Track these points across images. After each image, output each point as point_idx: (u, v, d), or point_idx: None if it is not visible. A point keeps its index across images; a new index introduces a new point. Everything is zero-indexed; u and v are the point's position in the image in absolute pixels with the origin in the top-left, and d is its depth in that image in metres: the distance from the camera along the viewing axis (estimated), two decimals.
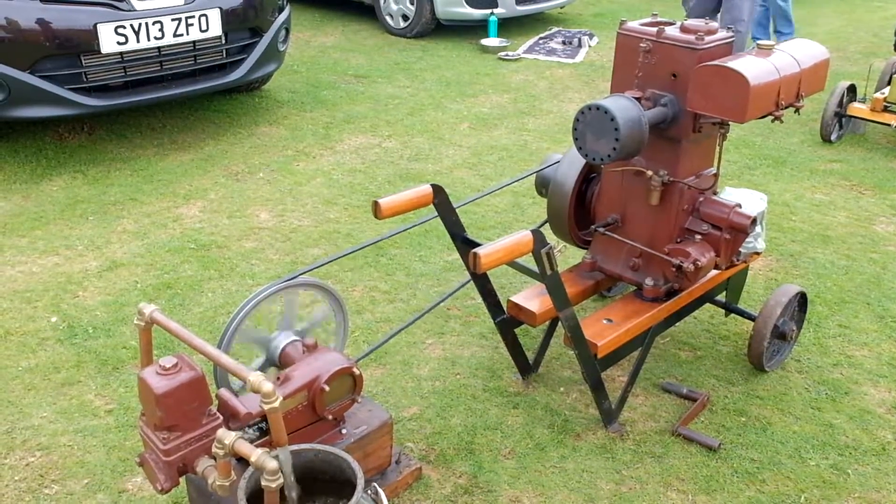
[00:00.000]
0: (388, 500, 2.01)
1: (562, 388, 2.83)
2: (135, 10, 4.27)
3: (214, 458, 1.77)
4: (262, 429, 2.03)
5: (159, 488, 1.85)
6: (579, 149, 2.33)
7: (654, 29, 2.44)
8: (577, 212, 2.82)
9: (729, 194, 2.73)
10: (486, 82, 6.31)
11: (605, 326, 2.52)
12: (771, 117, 2.42)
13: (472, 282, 2.69)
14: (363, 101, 5.76)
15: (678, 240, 2.59)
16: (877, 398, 2.83)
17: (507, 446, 2.56)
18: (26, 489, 2.35)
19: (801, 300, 3.00)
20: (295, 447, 1.85)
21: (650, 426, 2.67)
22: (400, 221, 3.58)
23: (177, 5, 4.41)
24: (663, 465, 2.50)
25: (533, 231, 2.13)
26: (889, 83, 5.22)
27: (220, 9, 4.58)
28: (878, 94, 4.97)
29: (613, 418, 2.64)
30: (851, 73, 6.43)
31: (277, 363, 2.27)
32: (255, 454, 1.68)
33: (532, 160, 4.77)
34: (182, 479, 1.93)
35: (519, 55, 7.05)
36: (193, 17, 4.47)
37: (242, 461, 1.77)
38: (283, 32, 5.18)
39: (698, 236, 2.58)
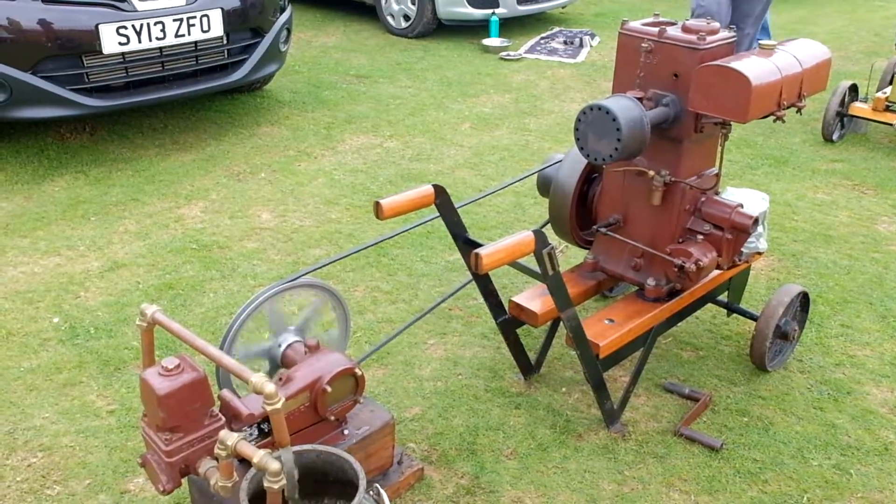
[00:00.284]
0: (390, 501, 2.01)
1: (564, 389, 2.83)
2: (136, 11, 4.27)
3: (217, 460, 1.77)
4: (264, 430, 2.03)
5: (161, 489, 1.85)
6: (581, 149, 2.33)
7: (656, 29, 2.44)
8: (579, 212, 2.82)
9: (731, 194, 2.73)
10: (488, 82, 6.31)
11: (606, 327, 2.52)
12: (773, 117, 2.42)
13: (473, 282, 2.69)
14: (365, 101, 5.76)
15: (680, 240, 2.59)
16: (879, 398, 2.83)
17: (509, 447, 2.56)
18: (28, 490, 2.35)
19: (804, 300, 2.99)
20: (297, 448, 1.85)
21: (652, 426, 2.66)
22: (402, 222, 3.58)
23: (178, 6, 4.42)
24: (665, 466, 2.50)
25: (535, 231, 2.13)
26: (891, 83, 5.22)
27: (222, 9, 4.58)
28: (879, 94, 4.97)
29: (615, 418, 2.64)
30: (853, 73, 6.43)
31: (278, 362, 2.27)
32: (258, 455, 1.67)
33: (533, 160, 4.77)
34: (184, 481, 1.93)
35: (520, 55, 7.05)
36: (195, 17, 4.47)
37: (244, 462, 1.77)
38: (284, 33, 5.18)
39: (700, 236, 2.58)
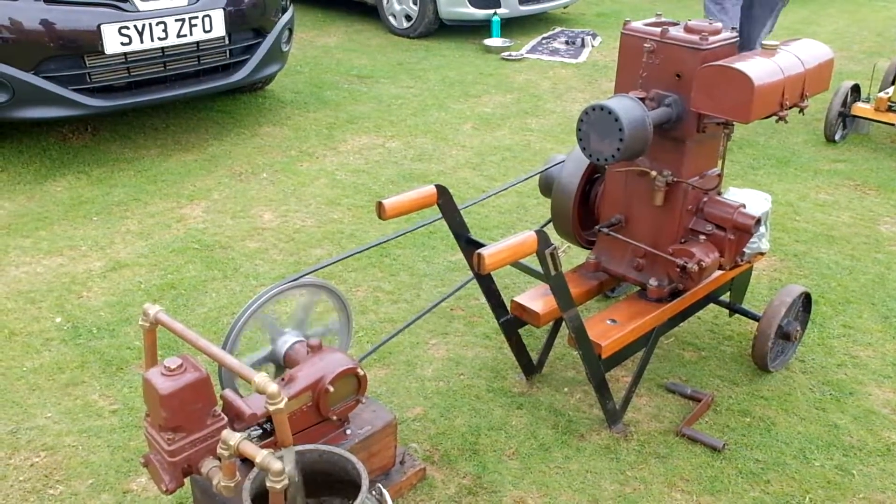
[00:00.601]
0: (393, 501, 2.01)
1: (566, 389, 2.83)
2: (138, 11, 4.27)
3: (219, 459, 1.78)
4: (266, 430, 2.03)
5: (164, 489, 1.85)
6: (583, 149, 2.33)
7: (658, 29, 2.44)
8: (581, 212, 2.82)
9: (733, 194, 2.73)
10: (490, 82, 6.31)
11: (609, 327, 2.52)
12: (775, 117, 2.42)
13: (475, 282, 2.69)
14: (366, 101, 5.76)
15: (682, 240, 2.59)
16: (881, 398, 2.82)
17: (510, 447, 2.56)
18: (31, 489, 2.35)
19: (806, 300, 2.99)
20: (300, 448, 1.85)
21: (654, 427, 2.66)
22: (404, 222, 3.58)
23: (180, 6, 4.42)
24: (667, 466, 2.50)
25: (537, 231, 2.13)
26: (893, 83, 5.22)
27: (224, 9, 4.59)
28: (882, 94, 4.96)
29: (617, 419, 2.64)
30: (855, 73, 6.42)
31: (281, 362, 2.27)
32: (260, 455, 1.68)
33: (535, 160, 4.77)
34: (187, 480, 1.93)
35: (522, 55, 7.05)
36: (197, 17, 4.47)
37: (247, 462, 1.77)
38: (286, 33, 5.19)
39: (702, 237, 2.58)
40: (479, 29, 7.60)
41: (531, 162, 4.76)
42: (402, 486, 2.33)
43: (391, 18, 7.64)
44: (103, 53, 4.22)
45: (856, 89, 5.16)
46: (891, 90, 4.94)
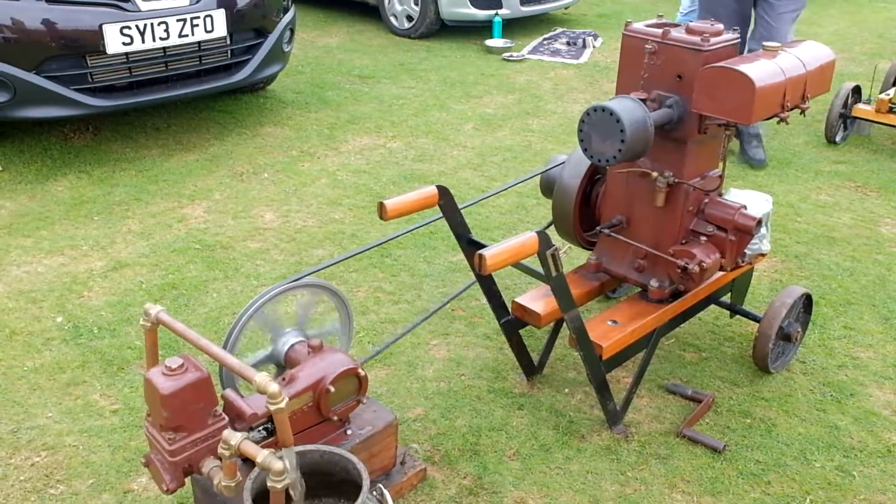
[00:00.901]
0: (393, 501, 2.01)
1: (566, 390, 2.83)
2: (140, 11, 4.27)
3: (220, 459, 1.78)
4: (267, 429, 2.03)
5: (165, 489, 1.85)
6: (585, 150, 2.33)
7: (660, 30, 2.44)
8: (582, 213, 2.82)
9: (734, 195, 2.73)
10: (491, 83, 6.31)
11: (610, 328, 2.52)
12: (776, 119, 2.42)
13: (476, 283, 2.70)
14: (368, 101, 5.76)
15: (683, 241, 2.59)
16: (882, 400, 2.82)
17: (511, 447, 2.56)
18: (31, 489, 2.35)
19: (806, 301, 2.99)
20: (300, 448, 1.85)
21: (655, 427, 2.66)
22: (405, 222, 3.58)
23: (182, 6, 4.42)
24: (668, 467, 2.50)
25: (538, 232, 2.13)
26: (894, 84, 5.22)
27: (226, 9, 4.59)
28: (883, 96, 4.96)
29: (618, 420, 2.64)
30: (856, 74, 6.42)
31: (282, 362, 2.27)
32: (261, 455, 1.68)
33: (536, 161, 4.77)
34: (187, 480, 1.93)
35: (523, 56, 7.05)
36: (199, 17, 4.47)
37: (248, 462, 1.77)
38: (287, 33, 5.19)
39: (703, 238, 2.58)
40: (480, 29, 7.61)
41: (532, 162, 4.76)
42: (402, 487, 2.33)
43: (392, 19, 7.64)
44: (105, 53, 4.22)
45: (857, 91, 5.16)
46: (892, 92, 4.94)
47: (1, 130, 4.75)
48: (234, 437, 1.72)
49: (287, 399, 1.73)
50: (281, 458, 1.70)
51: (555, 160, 2.94)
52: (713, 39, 2.37)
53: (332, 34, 7.62)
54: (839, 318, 3.28)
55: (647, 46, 2.43)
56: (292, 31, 5.32)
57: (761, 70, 2.29)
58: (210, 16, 4.52)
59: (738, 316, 3.12)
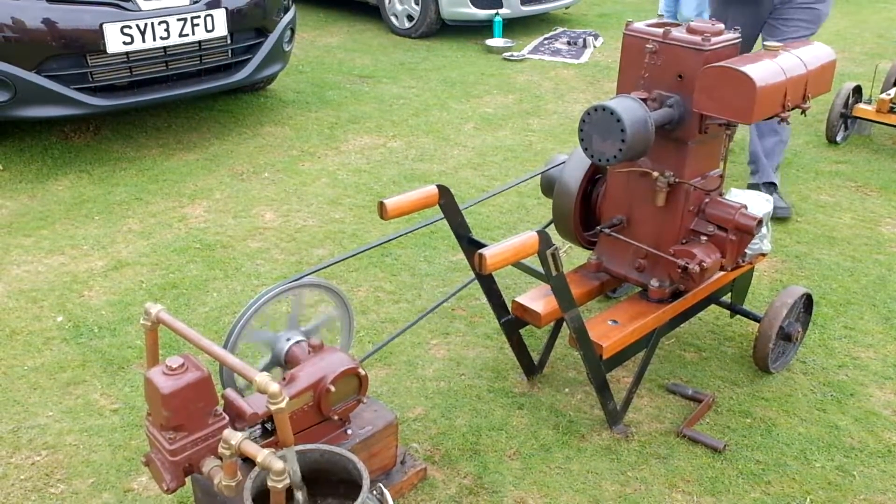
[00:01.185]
0: (394, 501, 2.01)
1: (567, 389, 2.83)
2: (141, 10, 4.28)
3: (220, 459, 1.78)
4: (267, 429, 2.03)
5: (165, 488, 1.85)
6: (585, 150, 2.33)
7: (660, 30, 2.44)
8: (583, 213, 2.82)
9: (735, 195, 2.73)
10: (491, 83, 6.31)
11: (610, 327, 2.52)
12: (777, 118, 2.42)
13: (477, 282, 2.69)
14: (368, 101, 5.76)
15: (684, 241, 2.59)
16: (882, 400, 2.82)
17: (511, 447, 2.56)
18: (32, 488, 2.35)
19: (807, 301, 2.99)
20: (301, 447, 1.85)
21: (655, 427, 2.66)
22: (405, 222, 3.58)
23: (182, 5, 4.42)
24: (668, 467, 2.50)
25: (538, 232, 2.13)
26: (895, 84, 5.21)
27: (226, 9, 4.59)
28: (883, 96, 4.96)
29: (618, 419, 2.64)
30: (857, 74, 6.42)
31: (283, 363, 2.27)
32: (262, 454, 1.68)
33: (537, 160, 4.77)
34: (188, 480, 1.93)
35: (524, 55, 7.05)
36: (199, 17, 4.48)
37: (248, 461, 1.77)
38: (288, 33, 5.19)
39: (704, 237, 2.58)
40: (480, 29, 7.61)
41: (533, 162, 4.76)
42: (402, 486, 2.34)
43: (393, 18, 7.64)
44: (105, 53, 4.22)
45: (857, 91, 5.15)
46: (892, 91, 4.94)
47: (1, 130, 4.76)
48: (234, 437, 1.72)
49: (287, 398, 1.73)
50: (281, 457, 1.70)
51: (555, 160, 2.94)
52: (714, 39, 2.37)
53: (332, 34, 7.62)
54: (839, 318, 3.27)
55: (647, 46, 2.43)
56: (293, 30, 5.32)
57: (762, 70, 2.29)
58: (210, 15, 4.52)
59: (738, 316, 3.12)
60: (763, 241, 2.77)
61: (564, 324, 2.56)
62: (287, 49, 5.28)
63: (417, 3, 7.35)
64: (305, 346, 2.23)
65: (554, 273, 2.21)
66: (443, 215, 2.52)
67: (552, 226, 2.89)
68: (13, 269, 3.47)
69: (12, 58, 4.06)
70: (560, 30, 7.98)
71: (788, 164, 4.81)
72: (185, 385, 1.79)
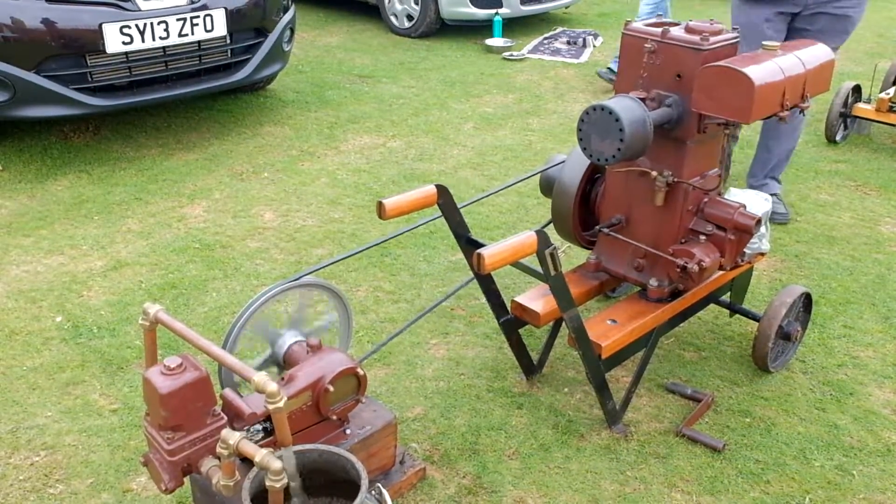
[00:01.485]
0: (392, 501, 2.01)
1: (566, 389, 2.83)
2: (140, 10, 4.27)
3: (219, 459, 1.78)
4: (266, 429, 2.03)
5: (163, 488, 1.85)
6: (584, 149, 2.33)
7: (659, 29, 2.44)
8: (582, 212, 2.82)
9: (734, 195, 2.73)
10: (491, 82, 6.31)
11: (609, 327, 2.52)
12: (776, 118, 2.42)
13: (476, 282, 2.69)
14: (368, 101, 5.76)
15: (683, 240, 2.59)
16: (882, 399, 2.82)
17: (511, 447, 2.56)
18: (31, 489, 2.35)
19: (806, 301, 2.99)
20: (299, 447, 1.85)
21: (654, 427, 2.66)
22: (404, 222, 3.58)
23: (182, 5, 4.42)
24: (667, 466, 2.50)
25: (537, 231, 2.13)
26: (894, 83, 5.22)
27: (226, 9, 4.59)
28: (883, 95, 4.96)
29: (617, 419, 2.64)
30: (856, 74, 6.42)
31: (281, 362, 2.27)
32: (260, 454, 1.68)
33: (536, 160, 4.77)
34: (186, 480, 1.93)
35: (523, 55, 7.05)
36: (198, 17, 4.47)
37: (247, 461, 1.77)
38: (287, 32, 5.19)
39: (703, 237, 2.58)
40: (480, 29, 7.60)
41: (532, 162, 4.76)
42: (401, 486, 2.33)
43: (393, 18, 7.64)
44: (105, 53, 4.22)
45: (857, 90, 5.15)
46: (892, 91, 4.94)
47: (1, 130, 4.76)
48: (232, 437, 1.72)
49: (285, 398, 1.73)
50: (279, 457, 1.70)
51: (554, 159, 2.93)
52: (712, 38, 2.37)
53: (332, 33, 7.62)
54: (839, 318, 3.27)
55: (646, 45, 2.43)
56: (292, 30, 5.32)
57: (760, 69, 2.29)
58: (210, 15, 4.52)
59: (737, 315, 3.12)
60: (762, 241, 2.77)
61: (563, 323, 2.56)
62: (287, 49, 5.28)
63: (417, 3, 7.35)
64: (304, 345, 2.23)
65: (553, 273, 2.21)
66: (441, 215, 2.52)
67: (551, 225, 2.89)
68: (12, 270, 3.47)
69: (12, 58, 4.06)
70: (560, 29, 7.98)
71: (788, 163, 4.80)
72: (183, 385, 1.79)
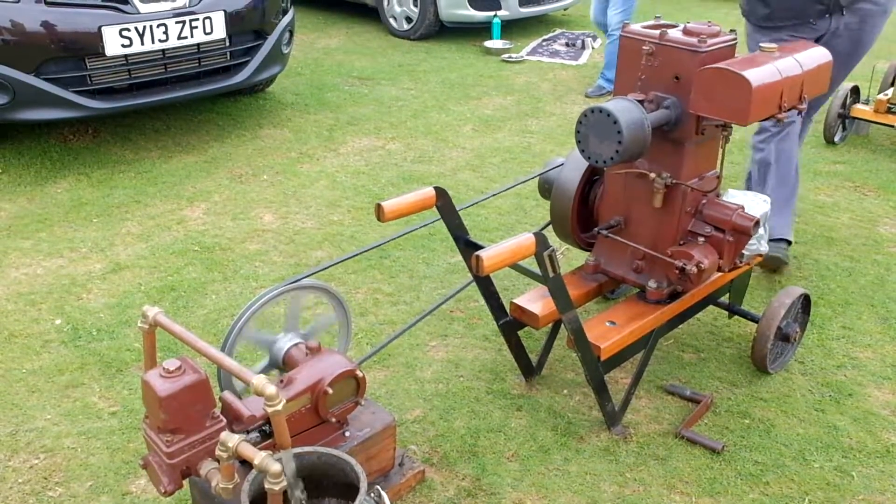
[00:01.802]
0: (391, 503, 2.01)
1: (565, 391, 2.83)
2: (139, 13, 4.28)
3: (218, 461, 1.78)
4: (265, 431, 2.03)
5: (163, 491, 1.85)
6: (582, 151, 2.34)
7: (657, 32, 2.44)
8: (580, 214, 2.82)
9: (732, 196, 2.73)
10: (490, 84, 6.31)
11: (608, 329, 2.52)
12: (773, 119, 2.42)
13: (474, 284, 2.70)
14: (367, 103, 5.76)
15: (681, 242, 2.59)
16: (881, 400, 2.82)
17: (510, 449, 2.56)
18: (30, 492, 2.35)
19: (805, 302, 2.99)
20: (298, 450, 1.85)
21: (653, 428, 2.66)
22: (403, 224, 3.58)
23: (181, 8, 4.43)
24: (667, 468, 2.50)
25: (535, 233, 2.13)
26: (892, 84, 5.22)
27: (225, 11, 4.60)
28: (881, 96, 4.97)
29: (617, 420, 2.64)
30: (855, 75, 6.39)
31: (281, 365, 2.27)
32: (259, 457, 1.68)
33: (535, 162, 4.77)
34: (185, 482, 1.93)
35: (522, 57, 7.05)
36: (198, 19, 4.48)
37: (246, 464, 1.77)
38: (286, 35, 5.19)
39: (701, 238, 2.58)
40: (479, 31, 7.61)
41: (531, 164, 4.76)
42: (401, 488, 2.34)
43: (392, 20, 7.65)
44: (104, 55, 4.22)
45: (855, 91, 5.16)
46: (890, 92, 4.95)
47: (0, 132, 4.76)
48: (231, 439, 1.72)
49: (284, 401, 1.73)
50: (278, 460, 1.70)
51: (553, 162, 2.94)
52: (710, 41, 2.37)
53: (331, 36, 7.62)
54: (838, 319, 3.28)
55: (644, 48, 2.43)
56: (291, 32, 5.32)
57: (758, 71, 2.29)
58: (209, 17, 4.52)
59: (736, 316, 3.12)
60: (761, 242, 2.77)
61: (562, 325, 2.56)
62: (286, 51, 5.28)
63: (416, 5, 7.36)
64: (303, 348, 2.24)
65: (551, 274, 2.21)
66: (440, 217, 2.53)
67: (550, 227, 2.89)
68: (11, 272, 3.47)
69: (11, 60, 4.06)
70: (558, 31, 7.99)
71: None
72: (182, 388, 1.79)
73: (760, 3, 3.35)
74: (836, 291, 3.47)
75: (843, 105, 5.04)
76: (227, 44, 4.73)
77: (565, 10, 8.63)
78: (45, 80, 4.16)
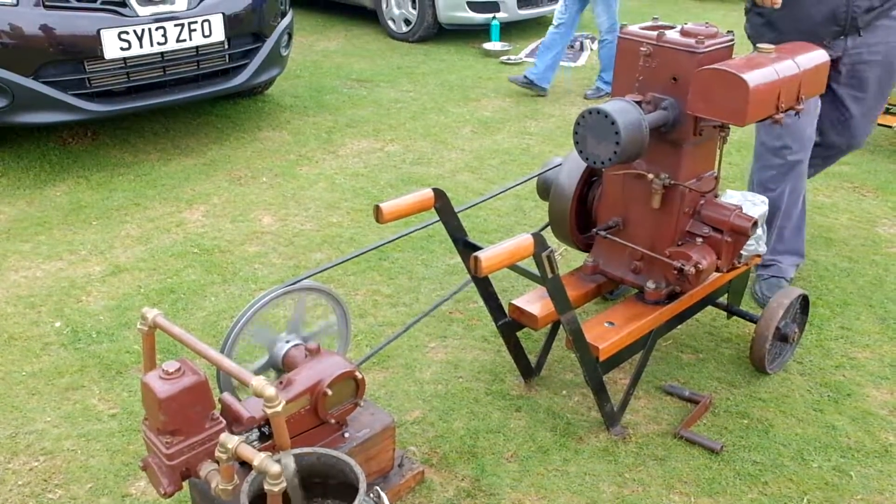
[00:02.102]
0: None
1: (564, 392, 2.84)
2: (138, 16, 4.29)
3: (217, 463, 1.78)
4: (264, 433, 2.04)
5: (162, 492, 1.85)
6: (580, 152, 2.34)
7: (655, 33, 2.45)
8: (579, 215, 2.83)
9: (730, 197, 2.74)
10: (489, 86, 6.32)
11: (606, 329, 2.52)
12: (770, 119, 2.42)
13: (473, 285, 2.70)
14: (366, 105, 5.77)
15: (679, 242, 2.60)
16: (879, 400, 2.83)
17: (509, 449, 2.56)
18: (30, 494, 2.36)
19: (803, 302, 3.00)
20: (297, 451, 1.85)
21: (652, 429, 2.67)
22: (402, 225, 3.59)
23: (180, 11, 4.43)
24: (665, 468, 2.50)
25: (534, 234, 2.13)
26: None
27: (223, 14, 4.60)
28: None
29: (616, 421, 2.65)
30: None
31: (280, 366, 2.27)
32: (258, 458, 1.68)
33: (534, 163, 4.78)
34: (185, 484, 1.94)
35: (521, 59, 7.06)
36: (196, 22, 4.48)
37: (245, 465, 1.77)
38: (285, 37, 5.20)
39: (700, 239, 2.59)
40: (478, 33, 7.62)
41: (530, 165, 4.77)
42: (400, 489, 2.34)
43: (390, 23, 7.66)
44: (103, 58, 4.23)
45: None
46: None
47: None
48: (231, 441, 1.72)
49: (283, 402, 1.73)
50: (278, 461, 1.70)
51: (551, 163, 2.94)
52: (708, 42, 2.38)
53: (329, 38, 7.63)
54: (836, 319, 3.28)
55: (642, 49, 2.44)
56: (290, 35, 5.33)
57: (755, 71, 2.30)
58: (208, 20, 4.53)
59: (735, 317, 3.13)
60: (759, 243, 2.78)
61: (561, 326, 2.57)
62: (284, 54, 5.29)
63: (415, 7, 7.37)
64: (302, 349, 2.24)
65: (549, 275, 2.22)
66: (439, 219, 2.53)
67: (548, 228, 2.90)
68: (11, 275, 3.47)
69: (10, 64, 4.06)
70: None
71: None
72: (181, 389, 1.79)
73: (767, 27, 3.18)
74: (835, 292, 3.47)
75: None
76: (226, 46, 4.74)
77: None
78: (44, 83, 4.16)
